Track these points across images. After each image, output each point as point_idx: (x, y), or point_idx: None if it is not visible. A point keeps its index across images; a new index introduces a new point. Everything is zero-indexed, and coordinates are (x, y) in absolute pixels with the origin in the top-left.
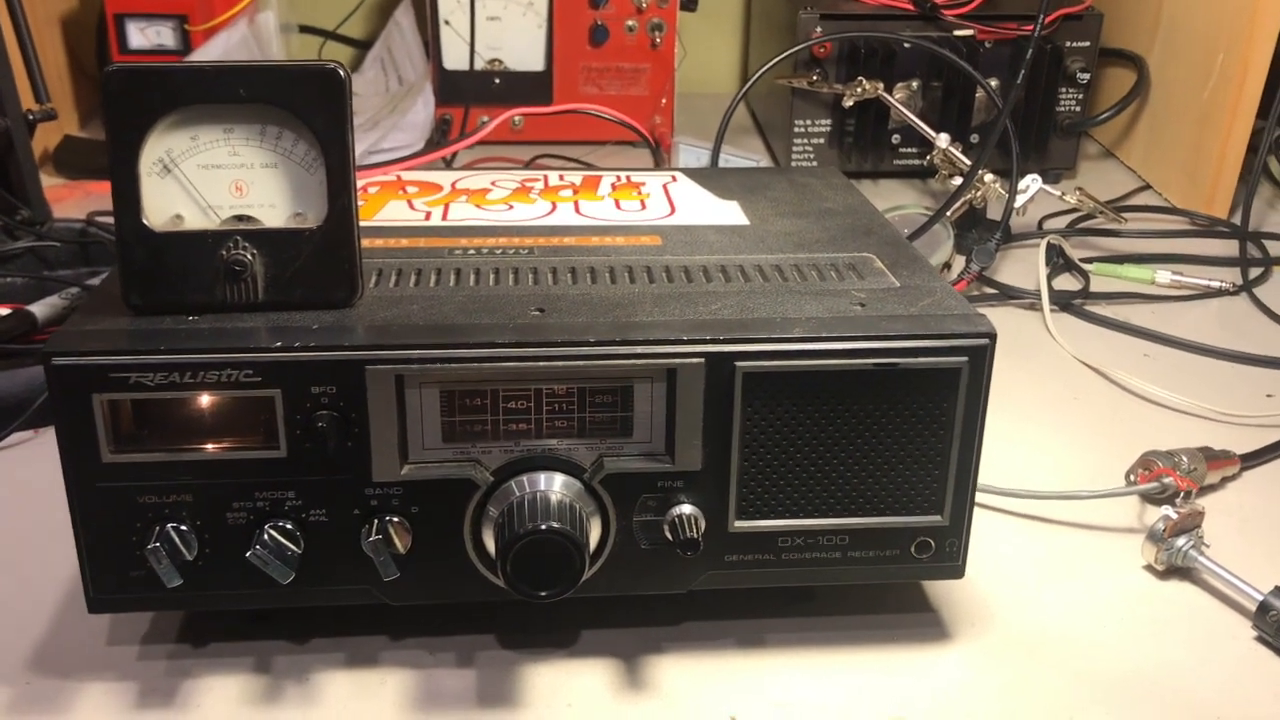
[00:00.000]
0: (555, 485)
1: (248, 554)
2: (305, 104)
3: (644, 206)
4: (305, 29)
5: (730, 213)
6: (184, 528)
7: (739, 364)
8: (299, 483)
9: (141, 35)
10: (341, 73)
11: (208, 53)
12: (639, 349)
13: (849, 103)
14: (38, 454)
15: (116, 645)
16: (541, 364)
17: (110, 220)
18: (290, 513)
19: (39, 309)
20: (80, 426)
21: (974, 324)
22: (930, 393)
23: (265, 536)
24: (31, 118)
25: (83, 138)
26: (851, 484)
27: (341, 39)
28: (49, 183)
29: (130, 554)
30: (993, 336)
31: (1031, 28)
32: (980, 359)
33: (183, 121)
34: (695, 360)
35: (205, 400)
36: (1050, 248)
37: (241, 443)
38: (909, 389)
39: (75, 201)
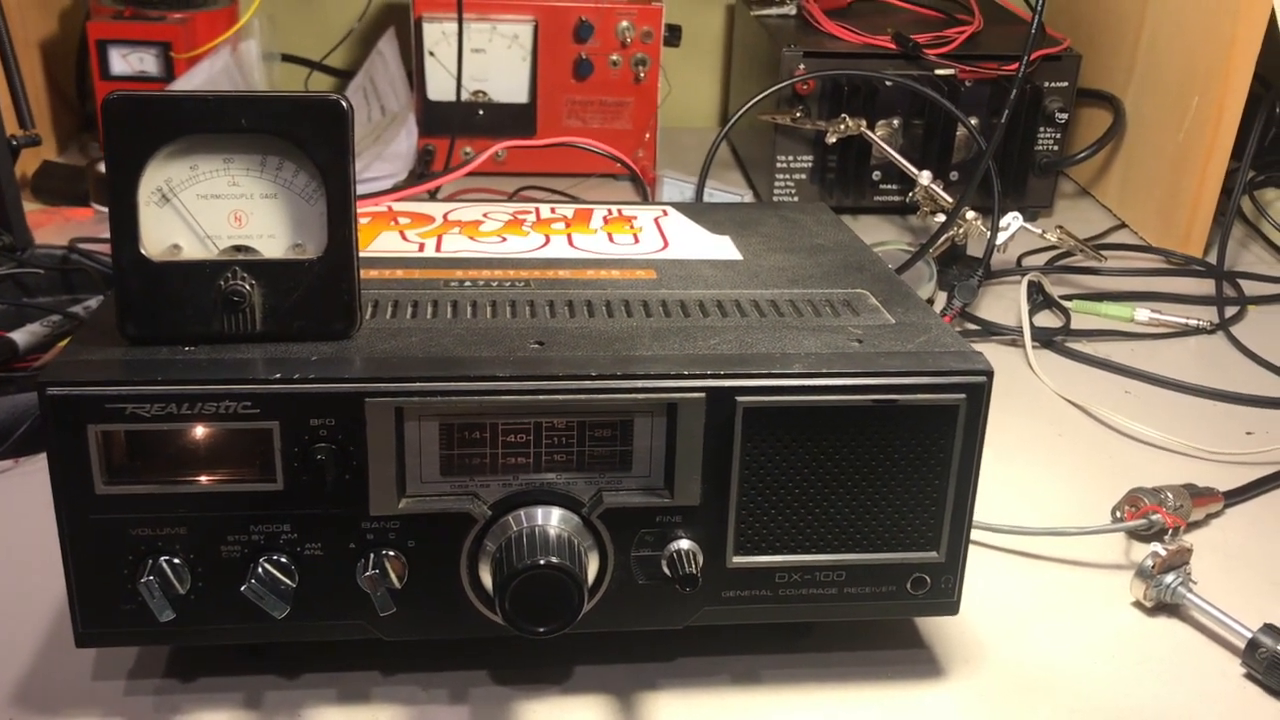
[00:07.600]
0: (553, 520)
1: (242, 588)
2: (306, 135)
3: (637, 240)
4: (288, 58)
5: (723, 247)
6: (177, 561)
7: (740, 399)
8: (295, 516)
9: (124, 62)
10: (344, 104)
11: (190, 80)
12: (640, 383)
13: (831, 139)
14: (20, 483)
15: (102, 680)
16: (542, 397)
17: (92, 247)
18: (286, 546)
19: (20, 336)
20: (73, 457)
21: (971, 361)
22: (928, 429)
23: (260, 570)
24: (15, 143)
25: (62, 163)
26: (849, 519)
27: (323, 68)
28: (27, 208)
29: (121, 587)
30: (990, 374)
31: (1013, 67)
32: (978, 396)
33: (182, 151)
34: (696, 395)
35: (201, 432)
36: (1031, 285)
37: (238, 475)
38: (907, 425)
39: (55, 227)
